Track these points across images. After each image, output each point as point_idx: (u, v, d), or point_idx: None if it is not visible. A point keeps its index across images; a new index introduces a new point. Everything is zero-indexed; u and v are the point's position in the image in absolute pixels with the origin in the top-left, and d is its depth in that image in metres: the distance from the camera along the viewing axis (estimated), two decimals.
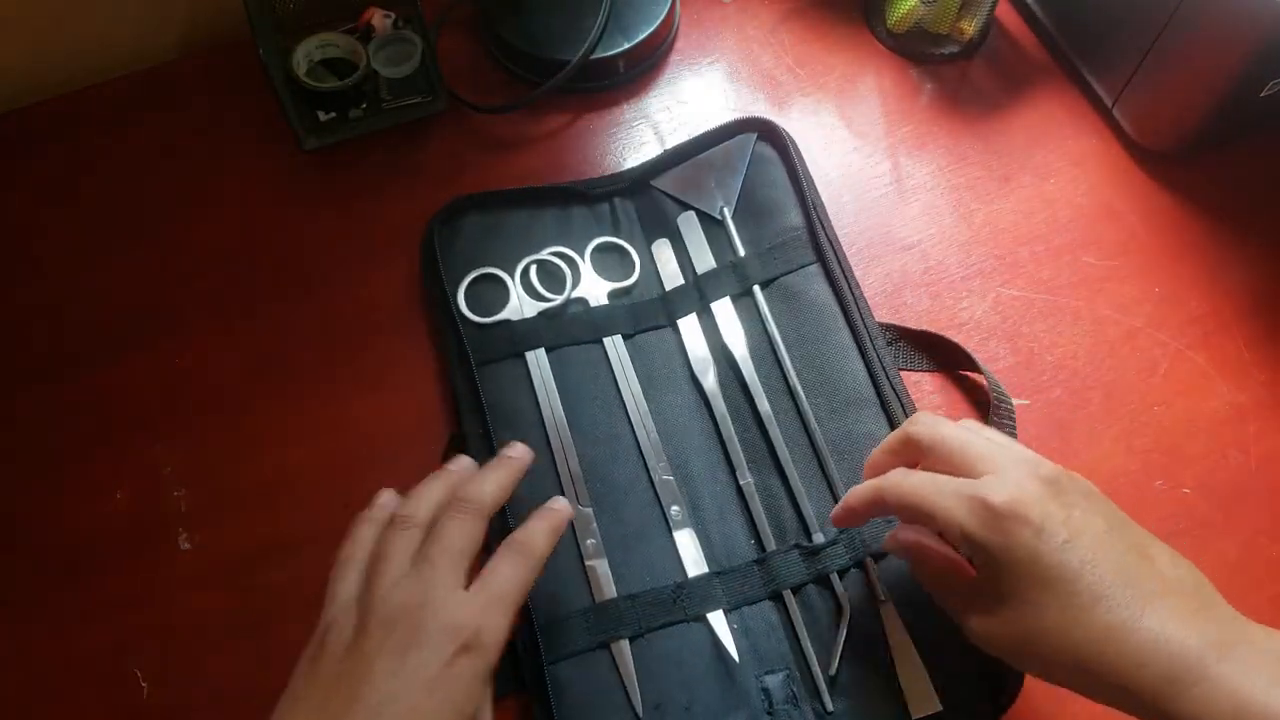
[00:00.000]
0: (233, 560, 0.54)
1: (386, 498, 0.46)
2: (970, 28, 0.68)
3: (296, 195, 0.66)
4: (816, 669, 0.50)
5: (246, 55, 0.67)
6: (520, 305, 0.60)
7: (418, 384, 0.59)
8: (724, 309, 0.60)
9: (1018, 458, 0.42)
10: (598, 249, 0.62)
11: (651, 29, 0.69)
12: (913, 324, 0.60)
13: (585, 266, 0.61)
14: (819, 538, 0.53)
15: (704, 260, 0.62)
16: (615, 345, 0.59)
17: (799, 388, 0.57)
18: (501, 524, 0.49)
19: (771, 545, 0.53)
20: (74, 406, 0.59)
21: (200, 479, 0.57)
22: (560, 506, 0.46)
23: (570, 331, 0.59)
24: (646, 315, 0.60)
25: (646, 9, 0.69)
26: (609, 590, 0.52)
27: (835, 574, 0.52)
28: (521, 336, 0.58)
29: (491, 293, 0.60)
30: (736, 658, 0.50)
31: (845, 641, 0.50)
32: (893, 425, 0.55)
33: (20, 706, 0.51)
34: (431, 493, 0.45)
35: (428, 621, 0.39)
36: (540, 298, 0.60)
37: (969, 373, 0.59)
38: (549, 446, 0.55)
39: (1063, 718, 0.50)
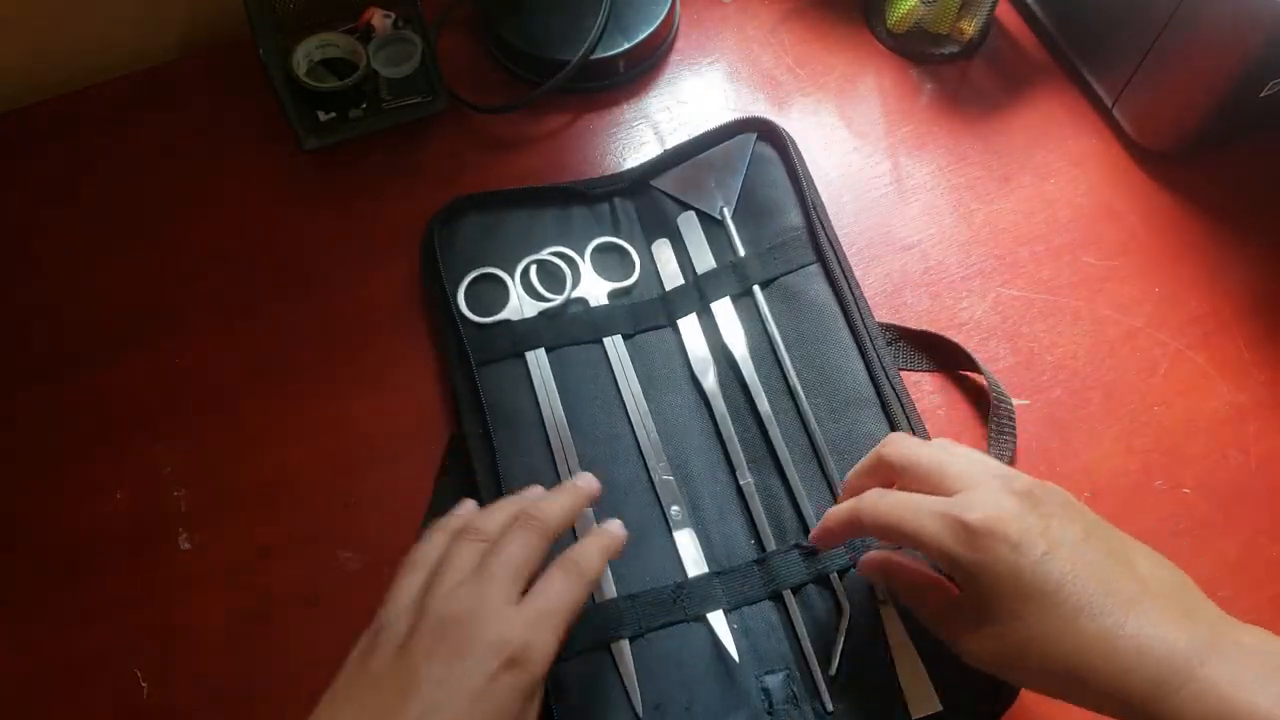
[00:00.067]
0: (233, 560, 0.54)
1: (465, 508, 0.47)
2: (970, 28, 0.68)
3: (296, 195, 0.66)
4: (816, 669, 0.50)
5: (246, 55, 0.67)
6: (520, 305, 0.60)
7: (418, 384, 0.59)
8: (724, 309, 0.60)
9: (991, 473, 0.42)
10: (598, 249, 0.62)
11: (651, 29, 0.69)
12: (913, 324, 0.60)
13: (585, 266, 0.61)
14: None
15: (704, 260, 0.62)
16: (615, 345, 0.59)
17: (799, 388, 0.57)
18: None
19: (771, 545, 0.53)
20: (74, 406, 0.59)
21: (200, 479, 0.57)
22: (616, 529, 0.47)
23: (570, 331, 0.59)
24: (646, 315, 0.60)
25: (646, 9, 0.69)
26: (609, 590, 0.52)
27: (835, 574, 0.52)
28: (521, 336, 0.58)
29: (491, 293, 0.60)
30: (736, 658, 0.50)
31: (845, 641, 0.50)
32: (893, 425, 0.55)
33: (20, 706, 0.51)
34: (503, 510, 0.45)
35: (477, 633, 0.39)
36: (540, 298, 0.60)
37: (969, 373, 0.59)
38: (549, 446, 0.55)
39: (1062, 718, 0.50)
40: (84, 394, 0.59)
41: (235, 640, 0.53)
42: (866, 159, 0.67)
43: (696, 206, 0.63)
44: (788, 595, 0.52)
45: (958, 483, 0.41)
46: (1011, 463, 0.56)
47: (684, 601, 0.51)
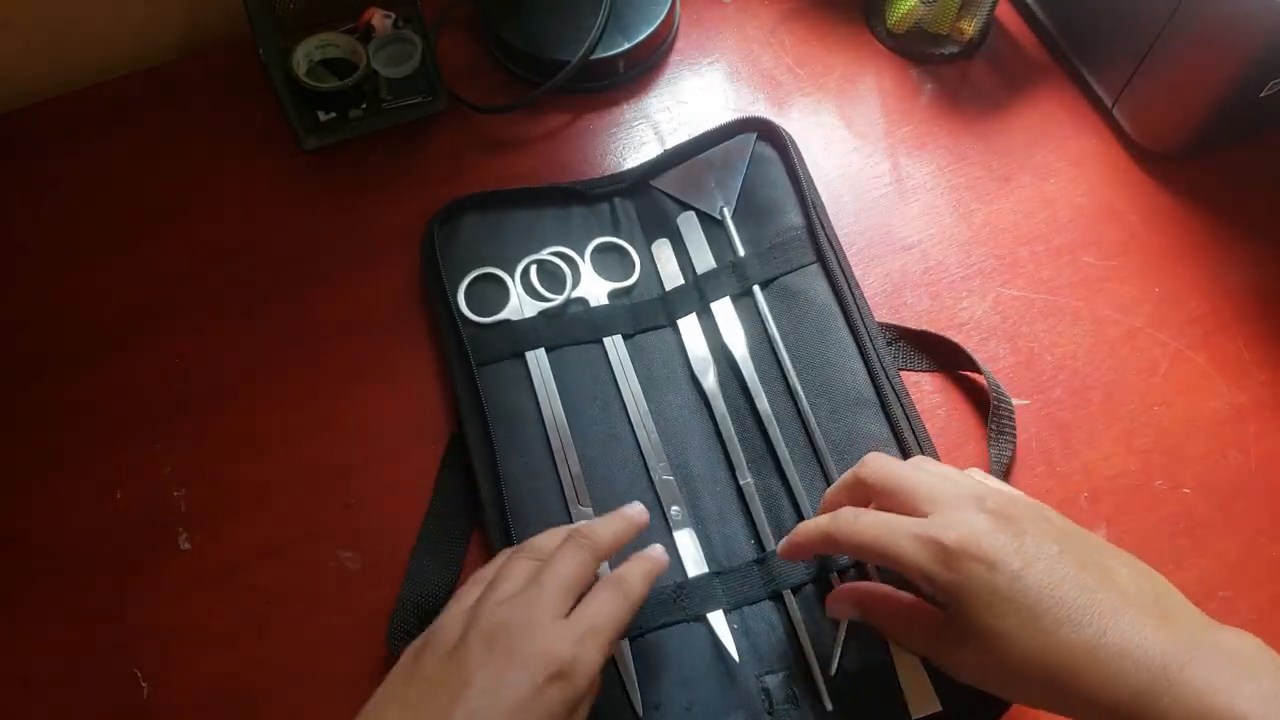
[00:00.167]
0: (233, 560, 0.54)
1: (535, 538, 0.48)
2: (970, 28, 0.68)
3: (296, 195, 0.66)
4: (816, 669, 0.50)
5: (246, 55, 0.67)
6: (520, 305, 0.60)
7: (418, 384, 0.59)
8: (724, 309, 0.60)
9: (966, 493, 0.42)
10: (598, 249, 0.62)
11: (651, 29, 0.69)
12: (913, 324, 0.60)
13: (585, 266, 0.61)
14: None
15: (704, 260, 0.62)
16: (615, 345, 0.59)
17: (799, 388, 0.57)
18: None
19: (771, 545, 0.53)
20: (74, 406, 0.59)
21: (200, 479, 0.57)
22: (658, 554, 0.47)
23: (570, 331, 0.59)
24: (646, 315, 0.60)
25: (646, 9, 0.69)
26: None
27: (835, 574, 0.52)
28: (521, 336, 0.58)
29: (491, 293, 0.60)
30: (736, 658, 0.50)
31: (845, 641, 0.50)
32: (893, 425, 0.55)
33: (21, 706, 0.51)
34: (557, 534, 0.47)
35: (526, 644, 0.40)
36: (540, 298, 0.60)
37: (969, 373, 0.59)
38: (549, 446, 0.55)
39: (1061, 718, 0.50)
40: (84, 393, 0.59)
41: (235, 640, 0.53)
42: (866, 159, 0.67)
43: (696, 206, 0.63)
44: (788, 595, 0.52)
45: (933, 504, 0.42)
46: (1011, 462, 0.56)
47: (684, 601, 0.51)
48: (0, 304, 0.62)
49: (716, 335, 0.59)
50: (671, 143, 0.66)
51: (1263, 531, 0.55)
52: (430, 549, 0.54)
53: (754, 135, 0.65)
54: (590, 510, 0.54)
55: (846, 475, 0.47)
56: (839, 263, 0.60)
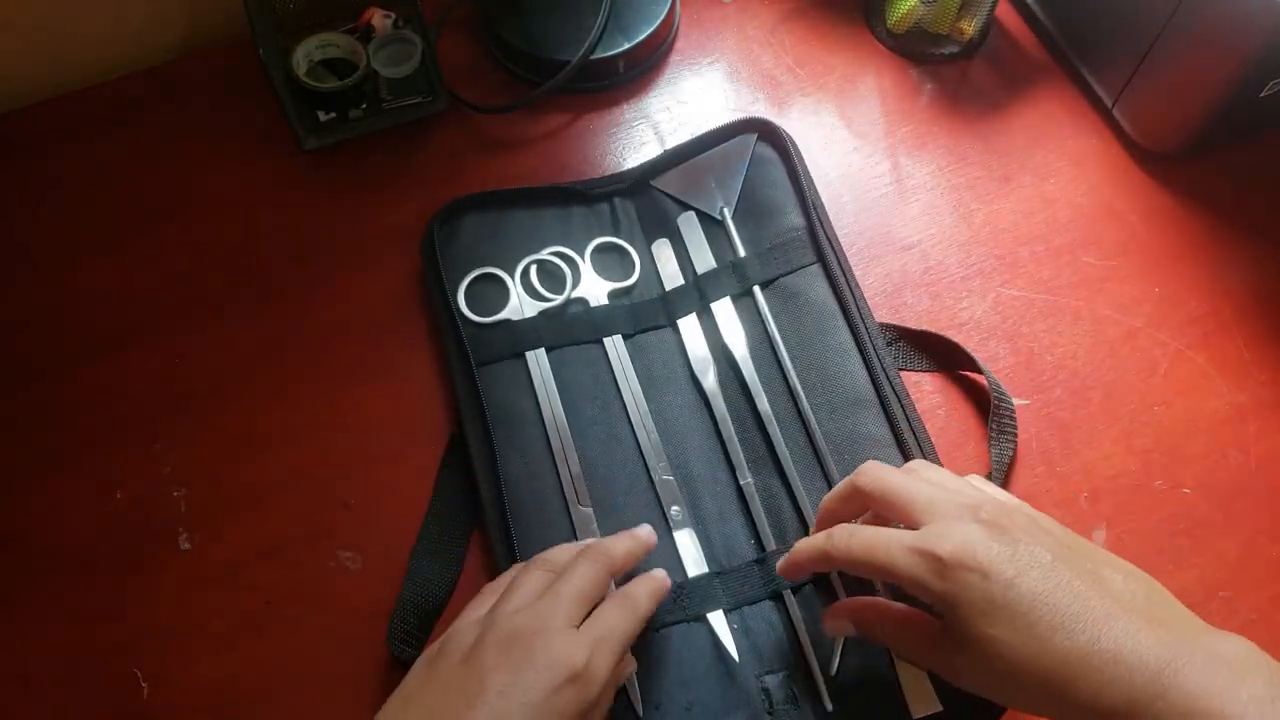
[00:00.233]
0: (233, 560, 0.54)
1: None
2: (970, 28, 0.68)
3: (296, 195, 0.66)
4: (816, 669, 0.50)
5: (246, 55, 0.67)
6: (520, 305, 0.60)
7: (417, 384, 0.59)
8: (724, 309, 0.60)
9: (961, 503, 0.43)
10: (598, 249, 0.62)
11: (651, 29, 0.69)
12: (913, 324, 0.60)
13: (585, 266, 0.61)
14: None
15: (704, 260, 0.62)
16: (615, 345, 0.59)
17: (799, 388, 0.57)
18: None
19: (772, 545, 0.53)
20: (74, 406, 0.59)
21: (200, 479, 0.57)
22: (662, 576, 0.48)
23: (570, 331, 0.59)
24: (646, 315, 0.60)
25: (646, 9, 0.69)
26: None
27: (835, 574, 0.52)
28: (521, 336, 0.58)
29: (491, 293, 0.60)
30: (736, 658, 0.50)
31: (845, 642, 0.50)
32: (893, 426, 0.55)
33: (21, 706, 0.51)
34: (570, 549, 0.48)
35: (541, 649, 0.41)
36: (540, 298, 0.60)
37: (969, 373, 0.59)
38: (549, 447, 0.55)
39: None
40: (84, 394, 0.59)
41: (235, 640, 0.53)
42: (866, 159, 0.67)
43: (696, 206, 0.63)
44: (788, 595, 0.52)
45: (929, 514, 0.43)
46: (1012, 462, 0.56)
47: (684, 601, 0.51)
48: (0, 304, 0.62)
49: (717, 335, 0.59)
50: (671, 143, 0.66)
51: (1263, 531, 0.55)
52: (430, 549, 0.54)
53: (754, 136, 0.65)
54: (590, 510, 0.54)
55: (843, 484, 0.48)
56: (839, 264, 0.60)
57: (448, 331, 0.58)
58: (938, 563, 0.41)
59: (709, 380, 0.58)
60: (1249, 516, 0.55)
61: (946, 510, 0.43)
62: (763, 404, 0.57)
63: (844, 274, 0.59)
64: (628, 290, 0.61)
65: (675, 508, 0.54)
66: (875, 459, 0.54)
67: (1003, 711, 0.48)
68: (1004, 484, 0.56)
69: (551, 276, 0.61)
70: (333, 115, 0.66)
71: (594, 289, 0.61)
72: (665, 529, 0.54)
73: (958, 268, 0.63)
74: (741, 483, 0.55)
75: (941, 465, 0.54)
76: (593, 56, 0.66)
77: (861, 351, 0.58)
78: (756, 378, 0.57)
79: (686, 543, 0.54)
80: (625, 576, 0.48)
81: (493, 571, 0.53)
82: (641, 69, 0.70)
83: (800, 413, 0.56)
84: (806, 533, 0.53)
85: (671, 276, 0.62)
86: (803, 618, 0.51)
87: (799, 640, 0.51)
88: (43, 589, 0.54)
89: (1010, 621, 0.39)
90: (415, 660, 0.44)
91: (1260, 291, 0.62)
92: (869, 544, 0.43)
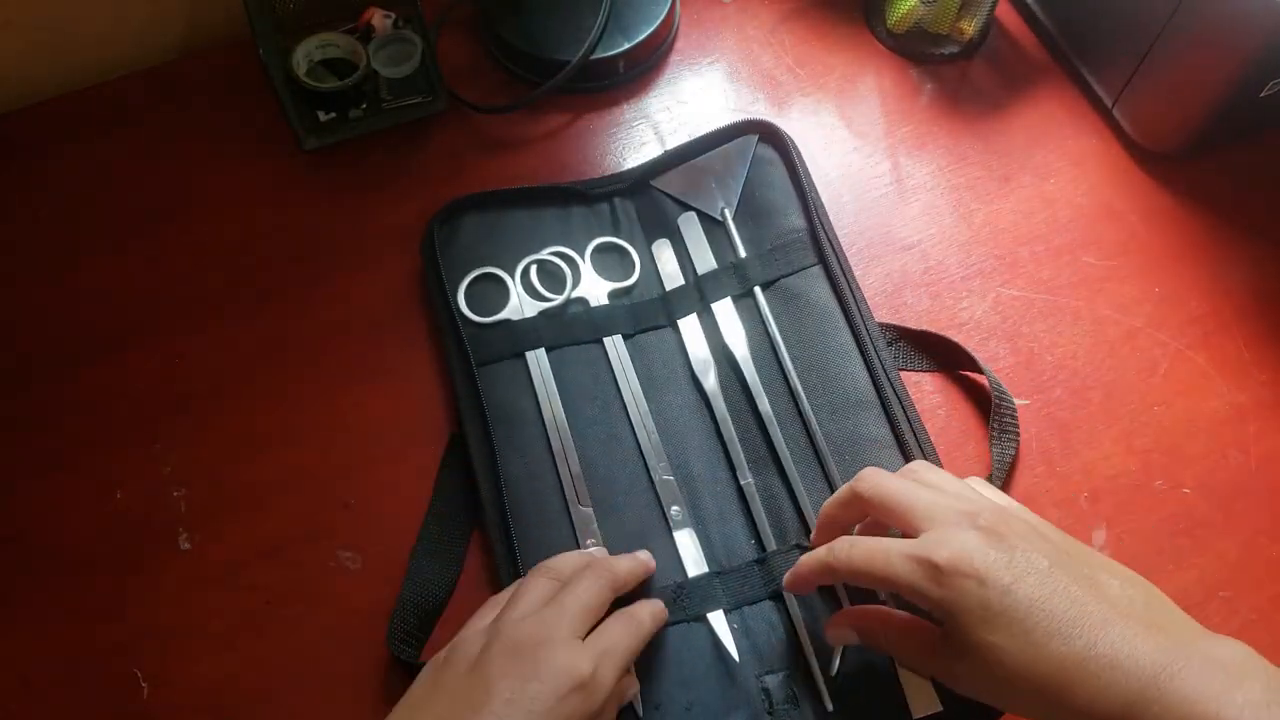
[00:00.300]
0: (233, 560, 0.54)
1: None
2: (970, 28, 0.68)
3: (296, 195, 0.66)
4: (817, 669, 0.50)
5: (246, 55, 0.67)
6: (520, 305, 0.60)
7: (417, 384, 0.59)
8: (725, 309, 0.60)
9: (959, 509, 0.43)
10: (598, 249, 0.62)
11: (651, 29, 0.69)
12: (913, 324, 0.60)
13: (585, 266, 0.61)
14: None
15: (704, 261, 0.62)
16: (615, 345, 0.59)
17: (800, 389, 0.57)
18: None
19: (772, 545, 0.53)
20: (74, 406, 0.59)
21: (200, 479, 0.57)
22: (662, 605, 0.50)
23: (570, 331, 0.59)
24: (647, 315, 0.60)
25: (646, 9, 0.69)
26: None
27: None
28: (521, 336, 0.58)
29: (491, 293, 0.60)
30: (737, 658, 0.50)
31: None
32: (893, 426, 0.55)
33: (21, 706, 0.51)
34: (575, 559, 0.49)
35: (547, 657, 0.42)
36: (540, 298, 0.60)
37: (969, 373, 0.59)
38: (549, 447, 0.55)
39: None
40: (84, 394, 0.59)
41: (235, 640, 0.53)
42: (866, 159, 0.67)
43: (697, 207, 0.63)
44: (788, 595, 0.52)
45: (928, 520, 0.43)
46: (1014, 462, 0.56)
47: (684, 601, 0.51)
48: (0, 304, 0.62)
49: (717, 336, 0.59)
50: (672, 143, 0.66)
51: (1263, 531, 0.55)
52: (430, 549, 0.54)
53: (755, 137, 0.65)
54: (590, 510, 0.54)
55: (843, 490, 0.48)
56: (840, 265, 0.60)
57: (448, 331, 0.58)
58: (935, 570, 0.41)
59: (709, 380, 0.58)
60: (1249, 516, 0.55)
61: (945, 517, 0.43)
62: (763, 404, 0.57)
63: (845, 276, 0.59)
64: (628, 290, 0.61)
65: (675, 508, 0.54)
66: (876, 460, 0.54)
67: (1003, 712, 0.48)
68: (1005, 484, 0.56)
69: (551, 276, 0.61)
70: (333, 115, 0.66)
71: (594, 289, 0.61)
72: (665, 529, 0.54)
73: (958, 268, 0.63)
74: (742, 483, 0.55)
75: (942, 466, 0.54)
76: (593, 56, 0.66)
77: (862, 353, 0.58)
78: (757, 378, 0.57)
79: (686, 543, 0.54)
80: (623, 600, 0.49)
81: (493, 571, 0.53)
82: (641, 69, 0.70)
83: (801, 413, 0.56)
84: (807, 533, 0.53)
85: (672, 277, 0.62)
86: (803, 618, 0.51)
87: (799, 640, 0.51)
88: (43, 589, 0.54)
89: (1007, 628, 0.39)
90: (415, 660, 0.44)
91: (1260, 291, 0.62)
92: (868, 554, 0.44)
